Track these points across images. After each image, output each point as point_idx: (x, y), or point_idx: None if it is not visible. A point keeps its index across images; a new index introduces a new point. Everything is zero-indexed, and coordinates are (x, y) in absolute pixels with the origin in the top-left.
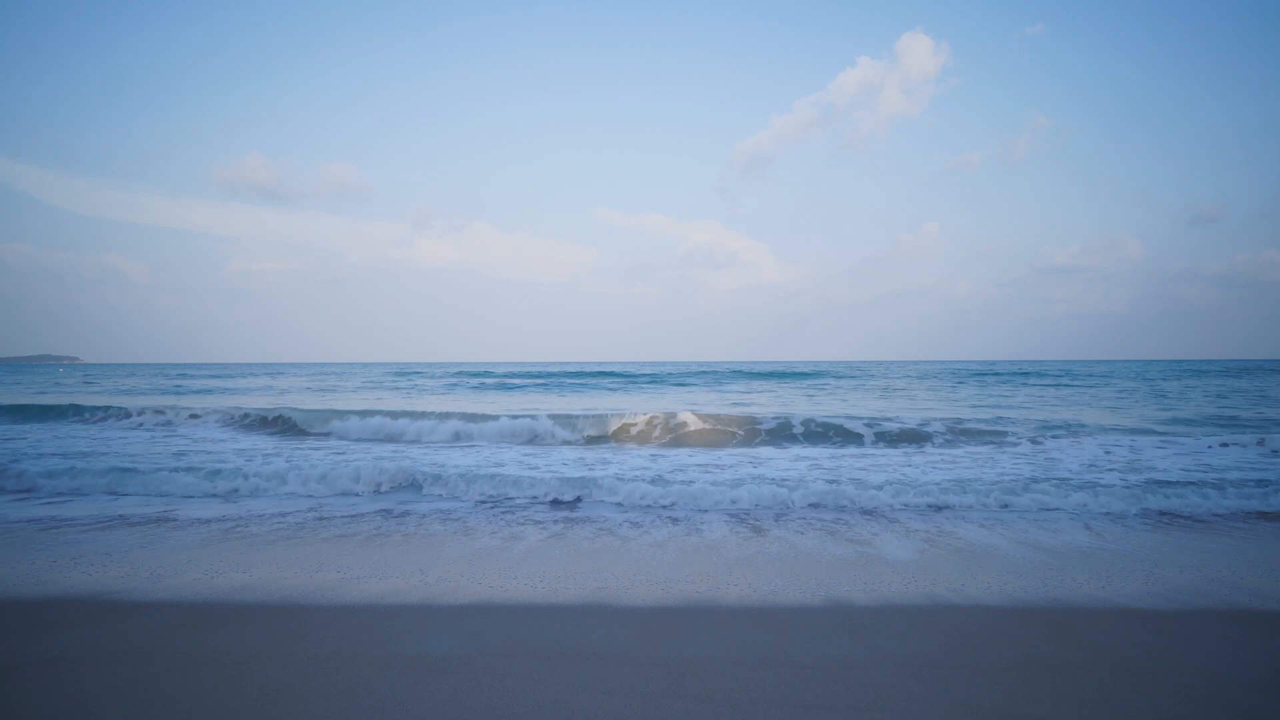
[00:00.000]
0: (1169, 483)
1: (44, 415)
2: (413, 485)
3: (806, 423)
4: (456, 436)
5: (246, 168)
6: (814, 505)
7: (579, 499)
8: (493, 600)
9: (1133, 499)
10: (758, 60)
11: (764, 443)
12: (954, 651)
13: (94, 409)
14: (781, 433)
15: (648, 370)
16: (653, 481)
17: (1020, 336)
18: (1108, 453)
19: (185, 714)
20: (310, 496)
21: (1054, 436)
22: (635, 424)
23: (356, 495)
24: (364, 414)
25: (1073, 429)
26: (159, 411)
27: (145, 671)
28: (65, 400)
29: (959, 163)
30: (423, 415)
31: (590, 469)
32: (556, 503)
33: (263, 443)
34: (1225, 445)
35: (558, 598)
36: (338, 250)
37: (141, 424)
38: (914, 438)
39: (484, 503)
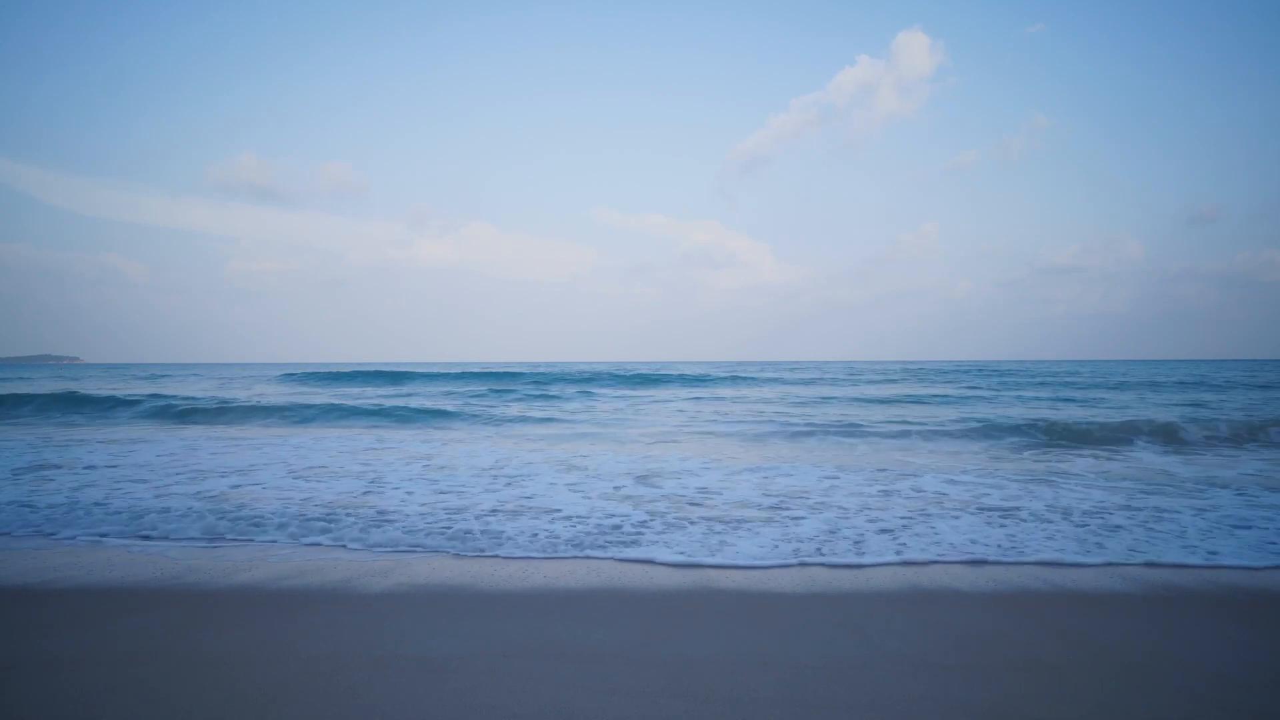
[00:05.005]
0: None
1: None
2: None
3: None
4: None
5: (246, 168)
6: None
7: None
8: (493, 599)
9: None
10: (756, 60)
11: None
12: (954, 651)
13: None
14: None
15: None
16: None
17: (1020, 336)
18: None
19: (185, 714)
20: None
21: None
22: None
23: None
24: None
25: None
26: None
27: (145, 671)
28: None
29: (958, 163)
30: None
31: None
32: None
33: None
34: None
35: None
36: (337, 250)
37: None
38: None
39: None
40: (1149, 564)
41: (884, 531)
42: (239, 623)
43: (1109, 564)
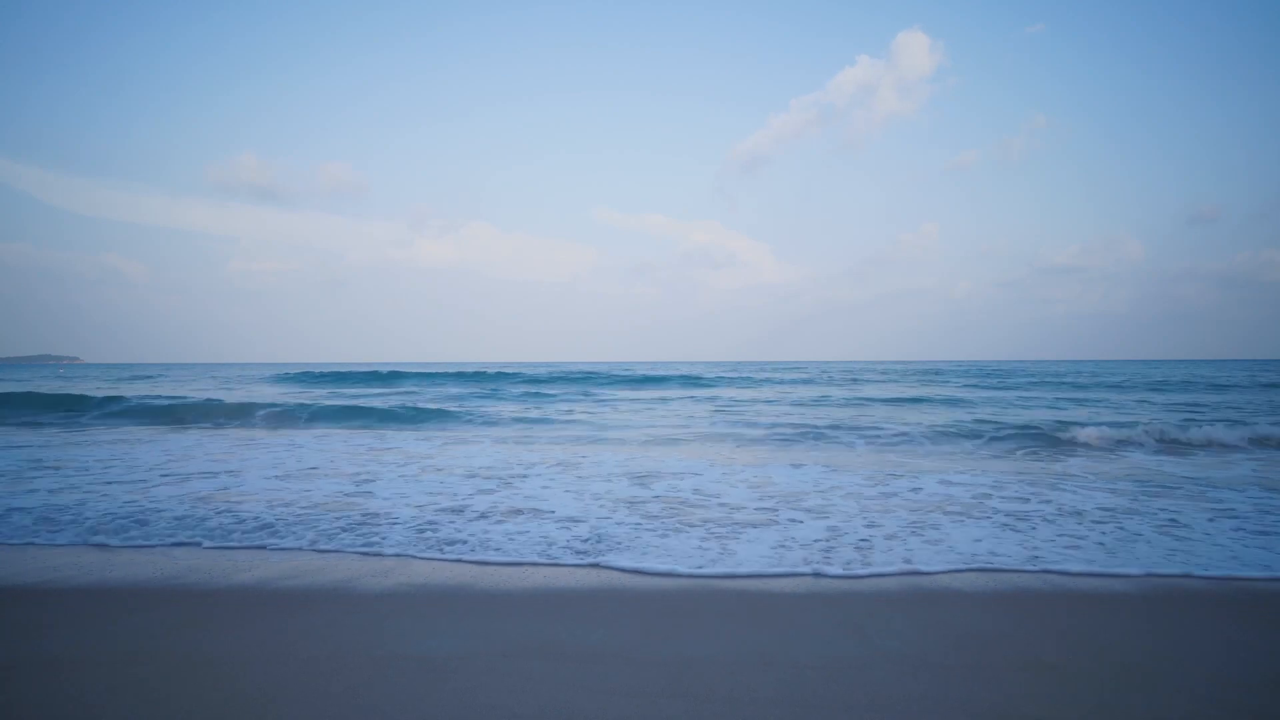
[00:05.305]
0: None
1: None
2: None
3: None
4: None
5: (246, 168)
6: None
7: None
8: (493, 599)
9: None
10: (756, 60)
11: None
12: (954, 651)
13: None
14: None
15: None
16: None
17: (1020, 336)
18: None
19: (185, 714)
20: None
21: None
22: None
23: None
24: None
25: None
26: None
27: (145, 671)
28: None
29: (958, 163)
30: None
31: None
32: None
33: None
34: None
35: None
36: (337, 250)
37: None
38: None
39: None
40: (1195, 577)
41: (889, 537)
42: (239, 623)
43: (1149, 574)
